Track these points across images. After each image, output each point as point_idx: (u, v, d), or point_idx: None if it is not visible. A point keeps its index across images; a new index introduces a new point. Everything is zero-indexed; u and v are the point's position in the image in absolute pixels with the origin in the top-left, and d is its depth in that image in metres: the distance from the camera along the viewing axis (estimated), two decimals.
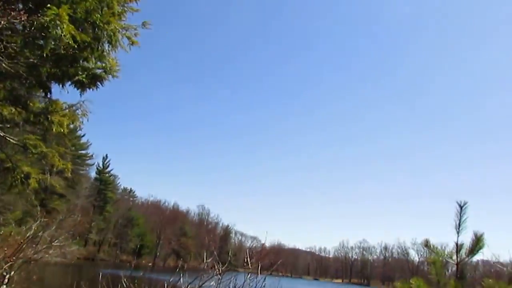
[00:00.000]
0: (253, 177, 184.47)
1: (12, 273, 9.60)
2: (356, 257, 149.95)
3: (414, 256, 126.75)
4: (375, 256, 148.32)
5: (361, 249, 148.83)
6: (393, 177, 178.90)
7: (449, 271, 4.86)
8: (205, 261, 5.02)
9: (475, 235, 4.57)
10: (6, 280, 9.38)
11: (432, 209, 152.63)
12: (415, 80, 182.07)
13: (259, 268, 5.03)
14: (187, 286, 4.36)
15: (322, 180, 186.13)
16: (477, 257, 5.93)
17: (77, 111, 9.34)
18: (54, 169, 9.89)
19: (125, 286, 4.39)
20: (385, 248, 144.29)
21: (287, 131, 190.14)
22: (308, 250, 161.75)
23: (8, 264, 9.14)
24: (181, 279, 4.60)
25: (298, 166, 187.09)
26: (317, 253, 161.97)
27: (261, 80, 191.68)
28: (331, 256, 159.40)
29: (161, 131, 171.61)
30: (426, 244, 4.96)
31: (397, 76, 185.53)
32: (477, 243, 4.58)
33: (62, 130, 8.96)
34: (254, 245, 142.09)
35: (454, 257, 4.70)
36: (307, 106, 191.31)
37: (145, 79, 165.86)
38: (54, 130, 8.73)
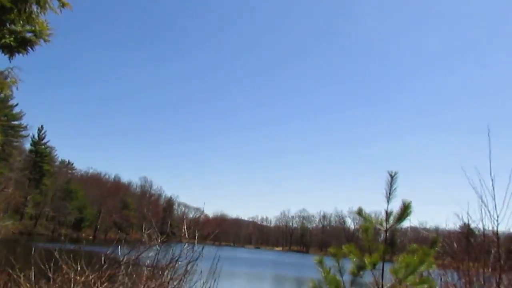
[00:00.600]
0: (196, 148, 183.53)
1: None
2: (296, 226, 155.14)
3: (350, 224, 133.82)
4: (314, 225, 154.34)
5: (301, 218, 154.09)
6: (334, 148, 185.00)
7: (382, 237, 5.12)
8: (143, 232, 4.96)
9: (404, 203, 4.82)
10: None
11: (368, 180, 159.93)
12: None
13: (200, 238, 5.05)
14: (124, 257, 4.28)
15: (265, 151, 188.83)
16: (407, 224, 6.33)
17: (6, 78, 8.69)
18: None
19: (59, 259, 4.25)
20: (324, 217, 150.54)
21: (229, 98, 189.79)
22: (251, 220, 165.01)
23: None
24: (120, 250, 4.52)
25: (240, 137, 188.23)
26: (259, 223, 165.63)
27: (199, 49, 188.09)
28: (272, 225, 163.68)
29: (100, 100, 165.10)
30: (359, 212, 5.18)
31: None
32: (405, 211, 4.84)
33: None
34: (197, 216, 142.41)
35: (384, 224, 4.94)
36: (241, 74, 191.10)
37: (82, 43, 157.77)
38: None
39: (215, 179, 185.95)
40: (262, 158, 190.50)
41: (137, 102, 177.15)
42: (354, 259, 4.88)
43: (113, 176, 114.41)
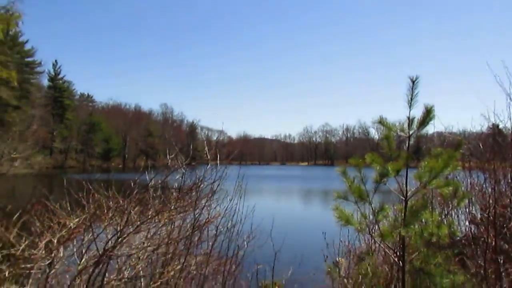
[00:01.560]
0: (215, 70, 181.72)
1: None
2: (320, 140, 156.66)
3: (374, 134, 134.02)
4: (337, 138, 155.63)
5: (324, 133, 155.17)
6: (356, 56, 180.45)
7: (406, 145, 5.07)
8: (168, 158, 5.04)
9: (426, 107, 4.69)
10: None
11: (391, 90, 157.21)
12: None
13: (224, 158, 5.11)
14: (152, 181, 4.40)
15: (285, 66, 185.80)
16: (432, 130, 6.24)
17: (8, 13, 8.48)
18: None
19: (92, 189, 4.40)
20: (347, 129, 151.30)
21: (245, 18, 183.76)
22: (274, 138, 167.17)
23: None
24: (147, 176, 4.63)
25: (260, 54, 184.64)
26: (282, 140, 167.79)
27: None
28: (296, 142, 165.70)
29: (111, 29, 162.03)
30: (381, 121, 5.08)
31: None
32: (428, 115, 4.72)
33: None
34: (221, 138, 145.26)
35: (407, 130, 4.85)
36: None
37: None
38: None
39: (236, 101, 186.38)
40: (282, 75, 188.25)
41: (150, 27, 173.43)
42: (377, 167, 4.88)
43: (133, 106, 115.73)
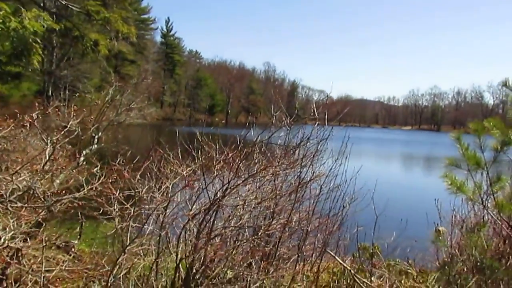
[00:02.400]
0: (318, 30, 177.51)
1: (100, 133, 10.60)
2: (426, 104, 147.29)
3: (489, 99, 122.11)
4: (446, 102, 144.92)
5: (432, 96, 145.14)
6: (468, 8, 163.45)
7: None
8: (273, 115, 5.12)
9: None
10: (96, 140, 10.42)
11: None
12: None
13: (326, 118, 5.07)
14: (258, 137, 4.53)
15: (389, 27, 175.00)
16: None
17: None
18: (119, 35, 10.05)
19: (200, 140, 4.69)
20: (458, 93, 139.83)
21: None
22: (377, 100, 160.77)
23: (95, 126, 10.04)
24: (252, 132, 4.77)
25: (361, 14, 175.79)
26: (385, 103, 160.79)
27: None
28: (400, 104, 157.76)
29: None
30: (505, 83, 4.62)
31: None
32: None
33: None
34: (321, 98, 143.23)
35: None
36: None
37: None
38: None
39: (338, 62, 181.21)
40: (382, 33, 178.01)
41: None
42: (498, 134, 4.49)
43: (237, 64, 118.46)
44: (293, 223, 4.38)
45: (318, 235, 4.88)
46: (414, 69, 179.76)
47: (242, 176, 3.89)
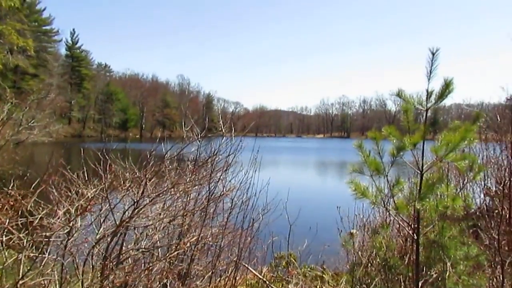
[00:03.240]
0: (231, 42, 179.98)
1: None
2: (336, 113, 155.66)
3: (392, 106, 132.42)
4: (354, 110, 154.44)
5: (341, 105, 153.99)
6: (372, 31, 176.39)
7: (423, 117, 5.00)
8: (184, 129, 5.05)
9: (445, 80, 4.58)
10: None
11: (410, 59, 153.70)
12: None
13: (240, 130, 5.11)
14: (167, 153, 4.43)
15: (300, 39, 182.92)
16: (450, 102, 6.12)
17: None
18: (15, 47, 9.32)
19: (109, 159, 4.46)
20: (364, 101, 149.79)
21: None
22: (290, 110, 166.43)
23: None
24: (163, 147, 4.65)
25: (274, 25, 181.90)
26: (299, 112, 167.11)
27: None
28: (312, 113, 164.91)
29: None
30: (399, 93, 4.99)
31: None
32: (446, 88, 4.61)
33: (12, 4, 8.25)
34: (237, 110, 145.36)
35: (425, 103, 4.77)
36: None
37: None
38: (3, 4, 8.03)
39: (252, 72, 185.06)
40: (297, 45, 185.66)
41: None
42: (394, 141, 4.83)
43: (150, 76, 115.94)
44: (207, 239, 4.33)
45: (233, 248, 4.87)
46: (324, 79, 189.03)
47: (151, 195, 3.77)
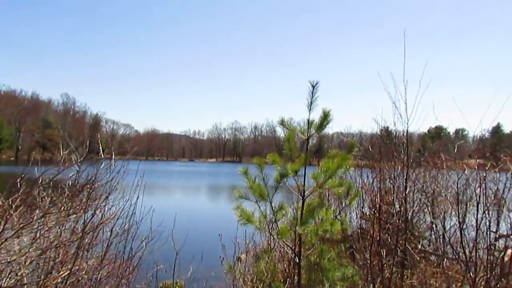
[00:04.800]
0: (121, 62, 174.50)
1: None
2: (228, 137, 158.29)
3: (281, 133, 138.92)
4: (246, 136, 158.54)
5: (233, 130, 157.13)
6: (266, 54, 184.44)
7: (310, 143, 5.27)
8: (61, 152, 4.69)
9: (324, 112, 4.91)
10: None
11: (296, 90, 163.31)
12: None
13: (130, 153, 4.89)
14: (41, 177, 4.05)
15: (193, 62, 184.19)
16: (332, 130, 6.59)
17: None
18: None
19: None
20: (255, 127, 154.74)
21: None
22: (183, 133, 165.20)
23: None
24: (37, 171, 4.24)
25: (166, 46, 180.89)
26: (191, 136, 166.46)
27: None
28: (205, 138, 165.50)
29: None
30: (282, 122, 5.22)
31: None
32: (325, 119, 4.95)
33: None
34: (127, 132, 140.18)
35: (306, 132, 5.03)
36: None
37: None
38: None
39: (144, 95, 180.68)
40: (190, 70, 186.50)
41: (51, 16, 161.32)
42: (278, 167, 5.02)
43: (30, 94, 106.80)
44: (82, 273, 4.00)
45: (112, 281, 4.58)
46: (217, 105, 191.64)
47: (16, 226, 3.39)
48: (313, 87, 4.89)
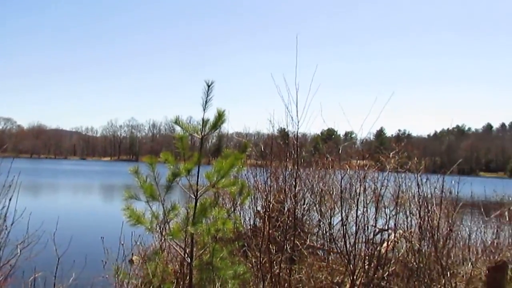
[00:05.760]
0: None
1: None
2: (125, 135, 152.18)
3: (180, 131, 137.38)
4: (143, 133, 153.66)
5: (130, 127, 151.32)
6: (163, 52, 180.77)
7: (210, 143, 5.25)
8: None
9: (218, 112, 4.94)
10: None
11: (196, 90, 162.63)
12: None
13: (12, 151, 4.42)
14: None
15: (88, 54, 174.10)
16: (232, 130, 6.65)
17: None
18: None
19: None
20: (153, 125, 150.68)
21: None
22: (74, 130, 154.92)
23: None
24: None
25: (58, 32, 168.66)
26: (84, 133, 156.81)
27: None
28: (99, 135, 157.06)
29: None
30: (176, 121, 5.15)
31: None
32: (219, 119, 4.97)
33: None
34: (7, 127, 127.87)
35: (200, 132, 5.02)
36: None
37: None
38: None
39: (30, 86, 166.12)
40: (85, 63, 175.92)
41: None
42: (171, 166, 4.93)
43: None
44: None
45: None
46: (113, 99, 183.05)
47: None
48: (208, 86, 4.89)
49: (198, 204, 4.91)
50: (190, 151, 4.94)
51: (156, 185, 4.74)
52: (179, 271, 5.54)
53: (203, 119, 4.99)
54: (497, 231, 7.97)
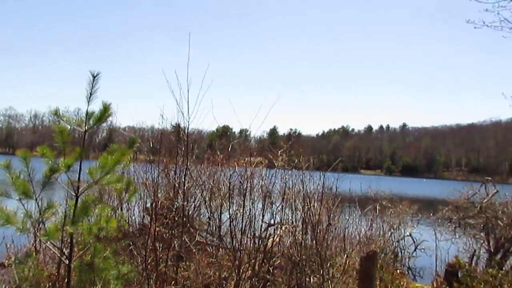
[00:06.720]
0: None
1: None
2: (1, 126, 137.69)
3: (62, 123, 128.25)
4: (23, 124, 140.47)
5: (7, 117, 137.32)
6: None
7: (99, 137, 4.93)
8: None
9: (104, 105, 4.71)
10: None
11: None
12: None
13: None
14: None
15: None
16: (125, 124, 6.32)
17: None
18: None
19: None
20: (35, 116, 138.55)
21: None
22: None
23: None
24: None
25: None
26: None
27: None
28: None
29: None
30: (56, 112, 4.81)
31: None
32: (105, 112, 4.74)
33: None
34: None
35: (84, 125, 4.75)
36: None
37: None
38: None
39: None
40: None
41: None
42: (49, 162, 4.58)
43: None
44: None
45: None
46: None
47: None
48: (94, 77, 4.63)
49: (79, 201, 4.62)
50: (73, 146, 4.63)
51: (30, 181, 4.35)
52: (56, 274, 5.16)
53: (87, 112, 4.71)
54: (370, 223, 8.79)
